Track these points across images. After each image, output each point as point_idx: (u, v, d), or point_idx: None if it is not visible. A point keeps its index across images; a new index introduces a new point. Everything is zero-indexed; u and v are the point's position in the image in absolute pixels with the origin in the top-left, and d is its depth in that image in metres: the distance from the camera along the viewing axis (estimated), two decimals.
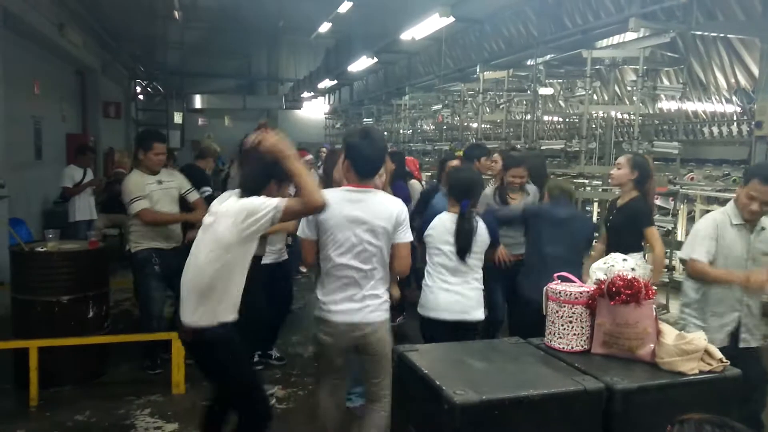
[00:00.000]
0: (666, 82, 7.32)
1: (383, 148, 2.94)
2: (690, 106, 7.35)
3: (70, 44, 9.50)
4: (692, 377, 1.97)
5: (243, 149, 4.11)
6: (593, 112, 7.20)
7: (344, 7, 10.76)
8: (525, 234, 4.27)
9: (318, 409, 3.08)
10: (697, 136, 7.71)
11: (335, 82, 15.76)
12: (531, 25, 8.39)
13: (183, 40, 16.98)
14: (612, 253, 2.41)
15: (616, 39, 7.11)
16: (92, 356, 4.36)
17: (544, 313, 2.26)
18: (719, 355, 2.02)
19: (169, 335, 4.12)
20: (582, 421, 1.86)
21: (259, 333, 4.72)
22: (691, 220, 7.41)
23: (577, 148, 6.68)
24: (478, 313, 3.38)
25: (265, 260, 4.41)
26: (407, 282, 5.16)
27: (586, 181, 7.53)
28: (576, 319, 2.18)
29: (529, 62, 8.05)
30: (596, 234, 4.74)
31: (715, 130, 7.43)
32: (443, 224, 3.37)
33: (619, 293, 2.08)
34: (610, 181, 4.11)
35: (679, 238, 7.16)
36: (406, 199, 5.40)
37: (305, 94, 18.65)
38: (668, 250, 6.81)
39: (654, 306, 2.13)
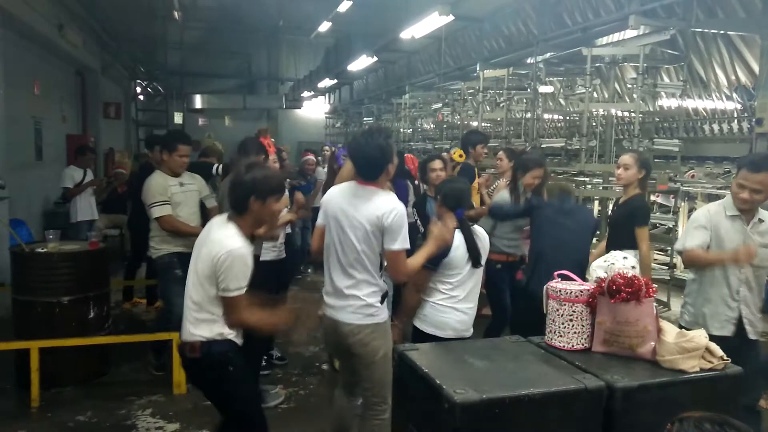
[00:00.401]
0: (666, 79, 7.31)
1: (385, 148, 2.78)
2: (690, 104, 7.34)
3: (70, 45, 9.50)
4: (693, 375, 1.96)
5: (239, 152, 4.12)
6: (593, 110, 7.19)
7: (344, 6, 10.75)
8: (531, 226, 4.25)
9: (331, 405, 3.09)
10: (697, 134, 7.70)
11: (335, 81, 15.75)
12: (531, 23, 8.38)
13: (183, 40, 16.99)
14: (612, 251, 2.40)
15: (616, 36, 7.11)
16: (93, 357, 4.36)
17: (545, 312, 2.26)
18: (720, 352, 2.02)
19: (170, 335, 4.12)
20: (583, 419, 1.85)
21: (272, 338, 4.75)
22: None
23: (578, 146, 6.68)
24: (470, 331, 3.28)
25: (265, 257, 4.42)
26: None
27: (587, 179, 7.52)
28: (576, 318, 2.18)
29: (529, 60, 8.05)
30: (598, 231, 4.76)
31: (715, 127, 7.42)
32: (461, 243, 3.19)
33: (620, 291, 2.08)
34: (617, 181, 4.07)
35: (679, 235, 7.16)
36: (405, 199, 5.41)
37: (305, 94, 18.64)
38: (669, 248, 6.82)
39: (654, 304, 2.13)
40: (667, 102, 7.57)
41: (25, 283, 4.23)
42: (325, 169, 6.92)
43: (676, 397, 1.92)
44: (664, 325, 2.11)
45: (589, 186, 7.36)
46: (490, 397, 1.76)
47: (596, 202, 8.11)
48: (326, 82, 15.96)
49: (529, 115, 8.07)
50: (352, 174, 2.93)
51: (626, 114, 8.01)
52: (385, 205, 2.74)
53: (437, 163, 4.77)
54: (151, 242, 4.36)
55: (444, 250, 3.14)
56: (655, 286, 2.21)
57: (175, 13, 12.67)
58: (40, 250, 4.36)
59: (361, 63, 11.57)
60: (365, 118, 15.07)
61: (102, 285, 4.47)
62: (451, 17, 7.38)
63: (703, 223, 3.15)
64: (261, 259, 4.45)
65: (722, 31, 6.34)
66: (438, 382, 1.85)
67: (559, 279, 2.29)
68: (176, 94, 18.66)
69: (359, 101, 15.93)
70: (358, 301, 2.81)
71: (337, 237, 2.82)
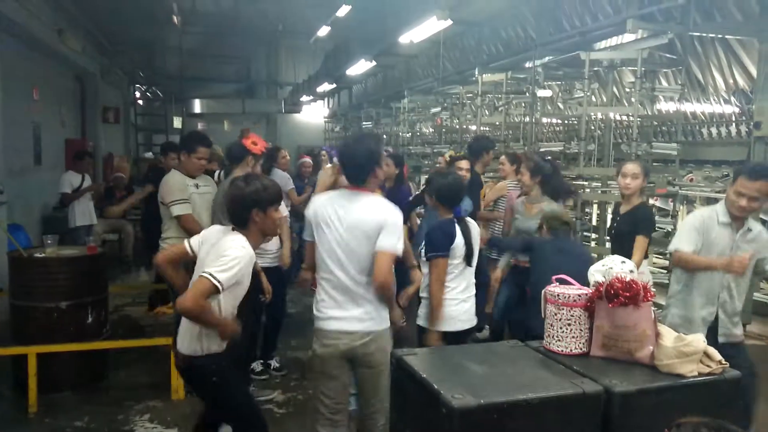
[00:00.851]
0: (664, 83, 7.32)
1: (374, 151, 2.79)
2: (688, 107, 7.35)
3: (69, 50, 9.51)
4: (691, 379, 1.96)
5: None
6: (592, 114, 7.20)
7: (343, 11, 10.76)
8: (530, 263, 4.22)
9: None
10: (695, 137, 7.70)
11: (334, 85, 15.76)
12: (529, 27, 8.39)
13: (182, 45, 16.99)
14: (610, 256, 2.40)
15: (614, 41, 7.11)
16: (91, 362, 4.36)
17: (543, 317, 2.26)
18: (718, 357, 2.01)
19: (167, 340, 4.11)
20: (581, 424, 1.85)
21: (257, 337, 4.72)
22: None
23: (576, 150, 6.69)
24: (475, 320, 3.42)
25: (264, 264, 4.41)
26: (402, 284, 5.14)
27: (585, 183, 7.53)
28: (575, 322, 2.17)
29: (527, 64, 8.05)
30: None
31: (713, 130, 7.43)
32: (459, 232, 3.30)
33: (618, 295, 2.07)
34: (625, 191, 4.02)
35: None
36: (407, 205, 5.40)
37: (304, 98, 18.64)
38: (669, 252, 6.81)
39: (653, 308, 2.13)
40: (665, 106, 7.57)
41: (23, 288, 4.22)
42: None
43: (675, 402, 1.92)
44: (663, 329, 2.11)
45: (588, 190, 7.36)
46: (488, 402, 1.76)
47: (595, 206, 8.11)
48: (325, 87, 15.97)
49: (527, 119, 8.07)
50: (330, 181, 2.93)
51: (625, 118, 8.02)
52: (384, 208, 2.76)
53: (464, 163, 4.77)
54: (165, 243, 4.17)
55: (449, 237, 3.21)
56: (654, 290, 2.20)
57: (174, 18, 12.69)
58: (38, 255, 4.36)
59: (360, 67, 11.58)
60: (364, 123, 15.08)
61: (100, 290, 4.46)
62: (449, 22, 7.38)
63: (696, 227, 3.17)
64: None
65: (720, 35, 6.35)
66: (436, 387, 1.84)
67: (558, 283, 2.29)
68: (175, 99, 18.65)
69: (358, 105, 15.94)
70: (372, 306, 2.76)
71: (339, 245, 2.73)
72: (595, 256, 4.30)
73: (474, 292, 3.42)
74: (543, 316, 2.26)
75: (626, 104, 7.72)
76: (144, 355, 4.65)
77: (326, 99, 18.92)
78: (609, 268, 2.24)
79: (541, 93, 7.77)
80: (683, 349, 1.98)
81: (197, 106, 19.14)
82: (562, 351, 2.17)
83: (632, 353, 2.08)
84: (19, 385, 4.12)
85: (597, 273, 2.24)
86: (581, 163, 6.58)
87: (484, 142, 5.56)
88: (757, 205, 3.09)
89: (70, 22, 9.45)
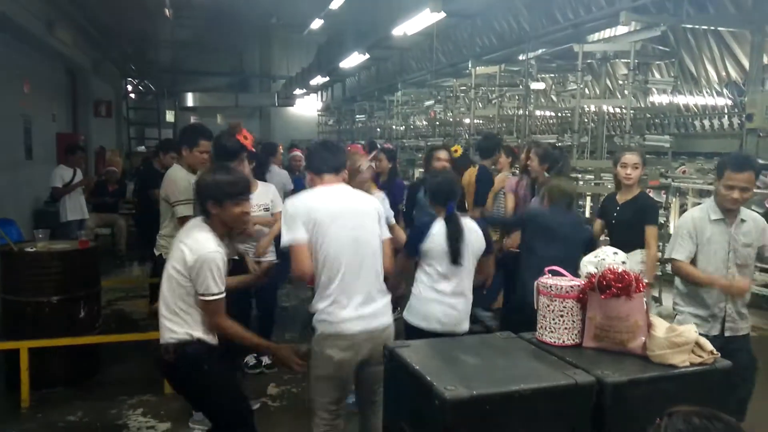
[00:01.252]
0: (657, 75, 7.34)
1: (340, 147, 2.95)
2: (681, 100, 7.38)
3: (60, 43, 9.44)
4: (683, 369, 1.96)
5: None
6: (585, 107, 7.22)
7: (336, 4, 10.74)
8: (522, 236, 4.23)
9: None
10: (688, 130, 7.73)
11: (327, 78, 15.73)
12: (522, 19, 8.38)
13: (174, 38, 16.90)
14: (603, 247, 2.40)
15: (607, 33, 7.13)
16: (84, 357, 4.33)
17: (536, 308, 2.26)
18: (710, 347, 2.01)
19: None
20: (573, 414, 1.85)
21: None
22: (683, 213, 7.43)
23: (570, 143, 6.69)
24: (465, 325, 3.25)
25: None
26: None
27: (579, 176, 7.54)
28: (567, 313, 2.17)
29: (520, 57, 8.05)
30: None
31: (706, 123, 7.46)
32: (441, 233, 3.19)
33: (610, 286, 2.07)
34: (626, 181, 3.98)
35: (671, 231, 7.18)
36: (401, 199, 5.40)
37: (298, 91, 18.62)
38: (661, 243, 6.84)
39: (645, 299, 2.13)
40: (658, 98, 7.60)
41: (15, 283, 4.19)
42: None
43: (667, 392, 1.92)
44: (654, 320, 2.11)
45: (581, 182, 7.38)
46: (480, 393, 1.76)
47: (588, 198, 8.13)
48: (318, 80, 15.94)
49: (521, 111, 8.08)
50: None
51: (618, 110, 8.04)
52: (371, 198, 2.84)
53: (443, 153, 4.76)
54: (162, 240, 4.04)
55: (419, 236, 3.19)
56: (646, 281, 2.21)
57: (167, 11, 12.59)
58: (29, 249, 4.33)
59: (353, 60, 11.56)
60: (358, 116, 15.06)
61: (92, 284, 4.43)
62: (442, 14, 7.36)
63: (688, 232, 3.15)
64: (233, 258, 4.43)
65: (713, 27, 6.37)
66: (428, 379, 1.84)
67: (550, 275, 2.29)
68: (168, 92, 18.59)
69: (352, 99, 15.92)
70: (387, 298, 2.77)
71: (355, 237, 2.65)
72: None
73: (467, 297, 3.25)
74: (535, 307, 2.26)
75: (619, 96, 7.74)
76: (137, 349, 4.63)
77: (319, 92, 18.88)
78: (601, 259, 2.24)
79: (535, 85, 7.76)
80: (675, 340, 1.99)
81: (190, 99, 19.09)
82: (555, 342, 2.17)
83: (624, 344, 2.09)
84: (11, 380, 4.09)
85: (589, 264, 2.24)
86: (574, 155, 6.59)
87: (495, 141, 5.55)
88: (749, 195, 3.09)
89: (61, 14, 9.37)
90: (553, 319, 2.18)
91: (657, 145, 6.60)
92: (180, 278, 2.57)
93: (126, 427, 3.76)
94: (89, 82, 12.46)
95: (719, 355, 2.02)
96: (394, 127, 12.38)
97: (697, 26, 6.37)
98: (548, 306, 2.20)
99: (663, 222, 6.70)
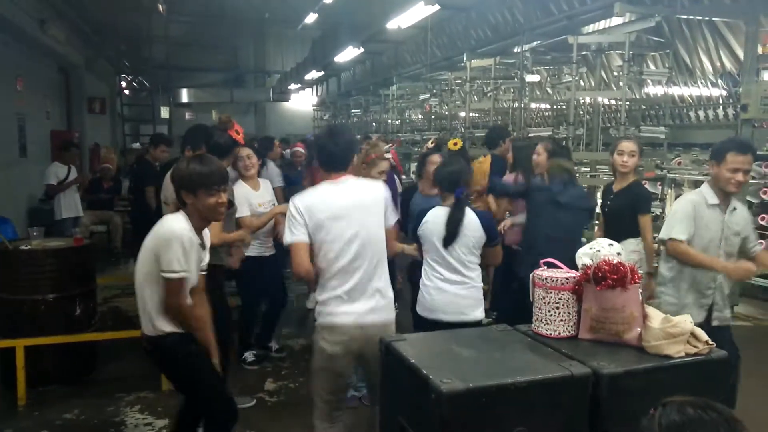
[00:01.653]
0: (652, 66, 7.32)
1: (352, 140, 2.90)
2: (676, 91, 7.37)
3: (53, 40, 9.38)
4: (678, 360, 1.96)
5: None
6: (580, 99, 7.19)
7: None
8: (527, 209, 4.25)
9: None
10: (683, 121, 7.73)
11: (322, 73, 15.69)
12: (517, 11, 8.36)
13: (168, 34, 16.82)
14: (598, 238, 2.40)
15: (601, 24, 7.10)
16: (80, 354, 4.33)
17: (531, 300, 2.26)
18: (705, 337, 2.02)
19: None
20: (569, 406, 1.85)
21: (251, 327, 4.74)
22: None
23: (565, 135, 6.68)
24: (477, 313, 3.21)
25: (251, 253, 4.43)
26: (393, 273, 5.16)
27: (575, 168, 7.53)
28: (563, 305, 2.18)
29: (515, 49, 8.02)
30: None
31: (701, 114, 7.46)
32: (438, 217, 3.21)
33: (605, 278, 2.07)
34: (622, 169, 3.96)
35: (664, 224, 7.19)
36: (395, 193, 5.39)
37: (293, 86, 18.57)
38: (656, 235, 6.85)
39: (640, 290, 2.13)
40: (653, 89, 7.58)
41: (10, 281, 4.18)
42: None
43: (662, 382, 1.93)
44: (650, 311, 2.12)
45: (577, 174, 7.36)
46: (476, 386, 1.76)
47: (584, 191, 8.12)
48: (313, 74, 15.90)
49: (516, 104, 8.06)
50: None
51: (613, 102, 8.03)
52: (378, 186, 2.82)
53: (436, 158, 4.76)
54: None
55: (417, 220, 3.28)
56: (641, 272, 2.21)
57: (160, 7, 12.53)
58: (24, 247, 4.31)
59: (347, 54, 11.53)
60: (353, 110, 15.02)
61: (88, 282, 4.42)
62: (436, 7, 7.35)
63: (689, 214, 3.13)
64: (252, 255, 4.45)
65: (707, 18, 6.36)
66: (425, 372, 1.83)
67: (545, 267, 2.29)
68: (162, 89, 18.49)
69: (347, 93, 15.88)
70: (389, 295, 2.76)
71: (357, 235, 2.65)
72: (585, 240, 4.29)
73: (473, 284, 3.23)
74: (531, 299, 2.26)
75: (614, 88, 7.73)
76: (133, 346, 4.58)
77: (314, 87, 18.84)
78: (596, 251, 2.24)
79: (530, 78, 7.74)
80: (670, 330, 1.99)
81: (185, 95, 19.00)
82: (551, 334, 2.17)
83: (620, 335, 2.09)
84: (8, 379, 4.09)
85: (584, 256, 2.24)
86: (570, 147, 6.58)
87: (499, 132, 5.58)
88: (749, 177, 3.12)
89: (53, 12, 9.31)
90: (549, 311, 2.18)
91: (652, 137, 6.59)
92: (152, 261, 2.59)
93: (123, 424, 3.76)
94: (83, 79, 12.40)
95: (714, 345, 2.02)
96: (389, 121, 12.36)
97: (691, 17, 6.36)
98: (544, 298, 2.20)
99: (659, 213, 6.71)
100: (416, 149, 10.64)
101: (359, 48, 10.83)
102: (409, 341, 2.17)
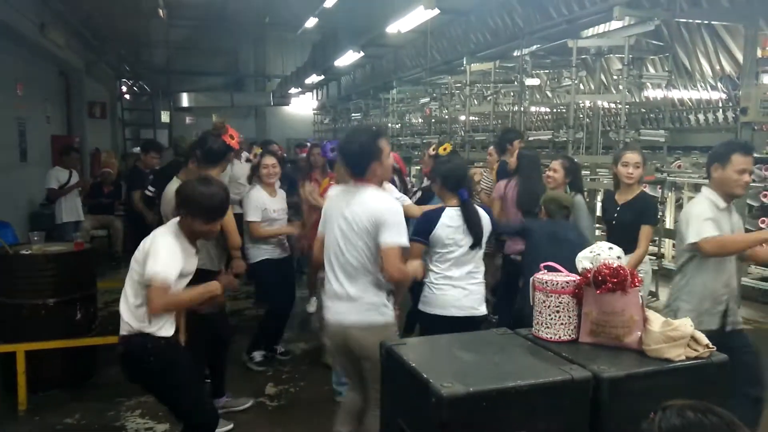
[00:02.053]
0: (651, 70, 7.33)
1: (365, 144, 2.78)
2: (676, 94, 7.38)
3: (53, 45, 9.40)
4: (679, 363, 1.96)
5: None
6: (580, 102, 7.20)
7: (330, 2, 10.70)
8: (524, 248, 4.21)
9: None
10: (683, 124, 7.74)
11: (323, 77, 15.70)
12: (516, 15, 8.38)
13: (168, 38, 16.84)
14: (598, 242, 2.40)
15: (601, 28, 7.12)
16: (80, 359, 4.32)
17: (532, 304, 2.26)
18: (705, 341, 2.02)
19: None
20: (570, 410, 1.85)
21: (274, 330, 4.81)
22: (679, 207, 7.45)
23: (565, 138, 6.70)
24: (483, 308, 3.33)
25: (265, 255, 4.55)
26: None
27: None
28: (563, 309, 2.18)
29: (515, 53, 8.05)
30: None
31: (701, 117, 7.47)
32: (450, 219, 3.24)
33: (605, 282, 2.08)
34: (628, 180, 3.92)
35: (667, 226, 7.20)
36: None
37: (293, 90, 18.57)
38: (656, 238, 6.86)
39: (640, 294, 2.13)
40: (652, 93, 7.59)
41: (10, 286, 4.18)
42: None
43: (663, 386, 1.93)
44: (650, 314, 2.12)
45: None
46: (477, 390, 1.76)
47: (585, 193, 8.13)
48: (313, 79, 15.91)
49: (516, 107, 8.07)
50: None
51: (613, 105, 8.04)
52: (380, 200, 2.76)
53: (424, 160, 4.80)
54: None
55: (430, 224, 3.22)
56: (642, 275, 2.21)
57: (160, 11, 12.55)
58: (24, 251, 4.31)
59: (347, 58, 11.54)
60: (353, 114, 15.04)
61: (88, 286, 4.42)
62: (436, 11, 7.35)
63: (711, 216, 2.99)
64: (266, 258, 4.56)
65: (706, 21, 6.37)
66: (425, 376, 1.84)
67: (546, 271, 2.29)
68: (163, 93, 18.52)
69: (347, 97, 15.89)
70: (369, 300, 2.79)
71: (340, 239, 2.77)
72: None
73: (479, 280, 3.33)
74: (532, 303, 2.26)
75: (614, 92, 7.72)
76: None
77: (315, 91, 18.86)
78: (596, 254, 2.24)
79: (529, 82, 7.76)
80: (671, 334, 1.99)
81: (185, 99, 19.01)
82: (551, 338, 2.17)
83: (620, 339, 2.09)
84: (8, 383, 4.09)
85: (584, 260, 2.24)
86: (570, 151, 6.59)
87: (508, 135, 5.55)
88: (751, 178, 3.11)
89: (53, 16, 9.33)
90: (549, 315, 2.19)
91: (652, 140, 6.60)
92: (137, 268, 2.68)
93: (124, 428, 3.76)
94: (83, 84, 12.41)
95: (715, 348, 2.02)
96: (389, 125, 12.37)
97: (690, 20, 6.37)
98: (544, 302, 2.20)
99: (659, 216, 6.71)
100: (416, 153, 10.65)
101: (359, 52, 10.84)
102: (409, 345, 2.18)
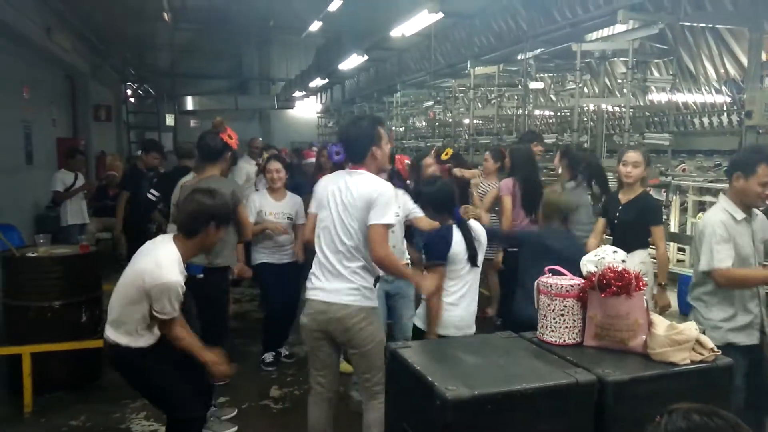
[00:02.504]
0: (656, 73, 7.32)
1: (366, 130, 2.93)
2: (680, 98, 7.36)
3: (59, 48, 9.45)
4: (684, 367, 1.96)
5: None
6: (584, 106, 7.20)
7: (334, 6, 10.73)
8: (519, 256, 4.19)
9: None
10: (687, 127, 7.71)
11: (327, 80, 15.73)
12: (520, 18, 8.38)
13: (173, 42, 16.89)
14: (602, 246, 2.40)
15: (605, 32, 7.11)
16: (86, 361, 4.34)
17: (536, 307, 2.26)
18: (711, 344, 2.02)
19: None
20: (574, 413, 1.86)
21: (275, 332, 4.85)
22: (683, 211, 7.42)
23: (569, 142, 6.69)
24: (472, 329, 3.30)
25: (266, 260, 4.64)
26: None
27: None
28: (567, 312, 2.18)
29: (519, 57, 8.05)
30: None
31: (705, 120, 7.44)
32: (459, 236, 3.21)
33: (610, 285, 2.08)
34: (626, 179, 3.93)
35: (672, 230, 7.18)
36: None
37: (297, 94, 18.61)
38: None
39: (645, 297, 2.13)
40: (657, 96, 7.58)
41: (16, 288, 4.20)
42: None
43: (668, 390, 1.93)
44: (655, 318, 2.12)
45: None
46: (481, 393, 1.76)
47: (588, 197, 8.12)
48: (318, 82, 15.94)
49: (520, 111, 8.08)
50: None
51: (617, 109, 8.02)
52: (376, 183, 2.85)
53: (429, 160, 4.78)
54: None
55: (447, 244, 3.20)
56: (647, 279, 2.21)
57: (165, 15, 12.59)
58: (30, 254, 4.34)
59: (352, 62, 11.56)
60: None
61: (94, 288, 4.44)
62: (440, 14, 7.37)
63: (725, 236, 2.88)
64: (264, 261, 4.64)
65: (711, 25, 6.36)
66: (430, 379, 1.84)
67: (551, 274, 2.29)
68: (167, 96, 18.58)
69: (351, 100, 15.92)
70: (356, 282, 2.83)
71: (336, 220, 2.85)
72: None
73: (474, 300, 3.30)
74: (536, 307, 2.26)
75: (618, 95, 7.72)
76: None
77: (319, 94, 18.89)
78: (601, 258, 2.25)
79: (533, 85, 7.75)
80: (676, 338, 1.99)
81: (190, 103, 19.07)
82: (556, 341, 2.18)
83: (625, 342, 2.09)
84: (14, 385, 4.11)
85: (589, 263, 2.24)
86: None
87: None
88: None
89: (59, 20, 9.38)
90: (554, 318, 2.19)
91: (656, 144, 6.59)
92: (136, 293, 2.71)
93: (129, 430, 3.78)
94: (88, 87, 12.46)
95: (720, 352, 2.02)
96: (393, 128, 12.38)
97: (695, 24, 6.36)
98: (549, 305, 2.20)
99: (664, 220, 6.70)
100: None
101: (363, 55, 10.86)
102: (413, 348, 2.18)
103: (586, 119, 7.50)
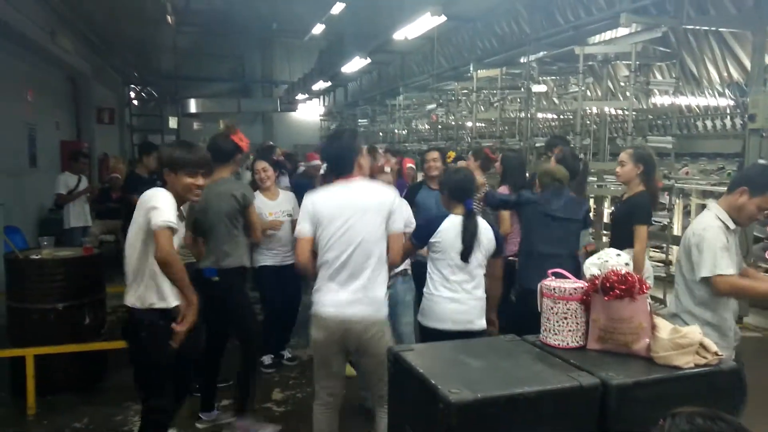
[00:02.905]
0: (659, 76, 7.34)
1: (350, 142, 2.97)
2: (683, 101, 7.37)
3: (62, 51, 9.48)
4: (688, 371, 1.95)
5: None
6: (587, 109, 7.20)
7: (337, 8, 10.76)
8: (519, 221, 4.25)
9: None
10: (690, 131, 7.73)
11: (329, 83, 15.77)
12: (523, 22, 8.40)
13: (176, 44, 16.95)
14: (606, 249, 2.40)
15: (608, 35, 7.13)
16: (89, 363, 4.35)
17: (539, 310, 2.26)
18: (714, 348, 2.01)
19: None
20: (578, 417, 1.85)
21: (273, 334, 4.81)
22: (686, 214, 7.42)
23: (572, 145, 6.68)
24: (481, 322, 3.27)
25: (268, 262, 4.63)
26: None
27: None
28: (571, 316, 2.17)
29: (522, 60, 8.06)
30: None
31: (708, 123, 7.46)
32: (454, 228, 3.22)
33: (613, 288, 2.07)
34: (616, 178, 4.01)
35: (675, 233, 7.18)
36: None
37: (300, 96, 18.64)
38: (665, 245, 6.84)
39: (649, 300, 2.13)
40: (660, 99, 7.60)
41: (20, 290, 4.21)
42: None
43: (671, 394, 1.92)
44: (659, 321, 2.11)
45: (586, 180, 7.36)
46: (484, 396, 1.75)
47: (591, 200, 8.12)
48: (320, 85, 15.98)
49: (522, 114, 8.08)
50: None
51: (620, 112, 8.03)
52: (387, 191, 2.88)
53: (432, 154, 4.84)
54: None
55: (429, 228, 3.23)
56: (650, 283, 2.20)
57: (168, 17, 12.64)
58: (34, 256, 4.35)
59: (354, 65, 11.59)
60: (360, 120, 15.08)
61: (97, 291, 4.45)
62: (443, 18, 7.39)
63: (726, 245, 2.80)
64: (263, 264, 4.62)
65: (714, 28, 6.36)
66: (433, 382, 1.83)
67: (554, 277, 2.29)
68: (171, 99, 18.63)
69: (353, 103, 15.95)
70: (375, 294, 2.84)
71: (349, 233, 2.80)
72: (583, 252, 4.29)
73: (477, 295, 3.27)
74: (539, 309, 2.26)
75: (621, 98, 7.73)
76: None
77: (321, 97, 18.92)
78: (604, 261, 2.24)
79: (536, 88, 7.76)
80: (679, 341, 1.98)
81: (192, 105, 19.11)
82: (559, 345, 2.17)
83: (629, 346, 2.09)
84: (17, 387, 4.12)
85: (592, 266, 2.24)
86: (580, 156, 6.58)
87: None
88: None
89: (62, 23, 9.40)
90: (557, 322, 2.18)
91: (659, 147, 6.59)
92: (139, 234, 2.73)
93: None
94: (92, 90, 12.49)
95: (723, 356, 2.02)
96: (396, 131, 12.40)
97: (698, 27, 6.37)
98: (552, 308, 2.20)
99: (667, 223, 6.70)
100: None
101: (366, 58, 10.89)
102: (416, 351, 2.17)
103: (588, 122, 7.50)
